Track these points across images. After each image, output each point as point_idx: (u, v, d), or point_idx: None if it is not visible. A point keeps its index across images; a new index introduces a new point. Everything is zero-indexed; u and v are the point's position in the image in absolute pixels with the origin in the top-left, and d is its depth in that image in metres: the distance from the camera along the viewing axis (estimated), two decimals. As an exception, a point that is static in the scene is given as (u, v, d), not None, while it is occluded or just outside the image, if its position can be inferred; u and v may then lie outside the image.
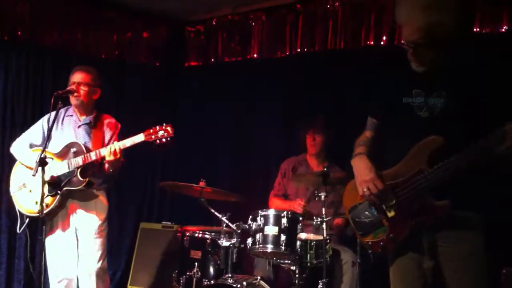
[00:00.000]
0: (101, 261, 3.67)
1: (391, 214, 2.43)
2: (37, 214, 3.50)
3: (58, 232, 3.65)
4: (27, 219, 3.57)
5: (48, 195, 3.51)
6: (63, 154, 3.59)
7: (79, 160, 3.50)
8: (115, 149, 3.39)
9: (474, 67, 2.34)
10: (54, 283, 3.67)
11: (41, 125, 3.82)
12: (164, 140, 3.27)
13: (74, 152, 3.54)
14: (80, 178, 3.50)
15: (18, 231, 3.60)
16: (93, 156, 3.47)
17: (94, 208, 3.68)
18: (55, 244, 3.64)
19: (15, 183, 3.72)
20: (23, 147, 3.78)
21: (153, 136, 3.27)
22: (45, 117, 3.80)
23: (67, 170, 3.53)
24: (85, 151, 3.51)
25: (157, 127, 3.30)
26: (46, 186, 3.49)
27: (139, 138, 3.36)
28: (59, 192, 3.53)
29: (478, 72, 2.32)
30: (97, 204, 3.70)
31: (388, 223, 2.44)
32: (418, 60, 2.33)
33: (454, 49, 2.31)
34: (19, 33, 4.79)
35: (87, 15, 5.21)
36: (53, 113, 3.39)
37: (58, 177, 3.54)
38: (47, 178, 3.43)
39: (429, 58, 2.32)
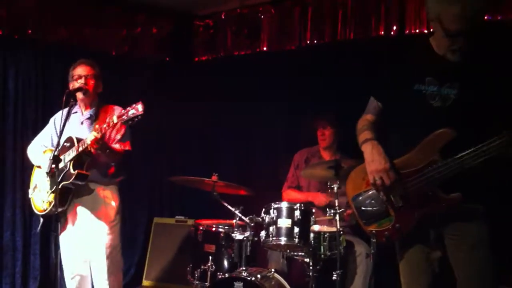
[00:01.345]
0: (111, 257, 3.66)
1: (398, 204, 2.40)
2: (44, 213, 3.58)
3: (70, 229, 3.66)
4: (42, 219, 3.61)
5: (50, 193, 3.56)
6: (61, 150, 3.55)
7: (70, 154, 3.48)
8: (95, 137, 3.33)
9: (489, 58, 2.32)
10: (68, 279, 3.71)
11: (49, 126, 3.85)
12: (136, 119, 3.21)
13: (68, 147, 3.52)
14: (71, 171, 3.45)
15: (37, 231, 3.65)
16: (80, 147, 3.42)
17: (104, 208, 3.66)
18: (67, 241, 3.66)
19: (32, 185, 3.78)
20: (36, 149, 3.82)
21: (125, 117, 3.22)
22: (52, 118, 3.85)
23: (62, 165, 3.50)
24: (75, 144, 3.46)
25: (129, 107, 3.24)
26: (49, 183, 3.57)
27: (113, 121, 3.29)
28: (57, 188, 3.43)
29: (493, 63, 2.31)
30: (106, 205, 3.68)
31: (395, 213, 2.43)
32: (454, 49, 2.32)
33: (476, 38, 2.30)
34: (27, 31, 4.79)
35: (95, 11, 5.22)
36: (65, 110, 3.37)
37: (55, 172, 3.42)
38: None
39: (461, 46, 2.31)
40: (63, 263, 3.66)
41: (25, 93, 4.84)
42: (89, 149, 3.39)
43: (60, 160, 3.36)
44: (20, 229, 4.71)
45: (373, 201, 2.49)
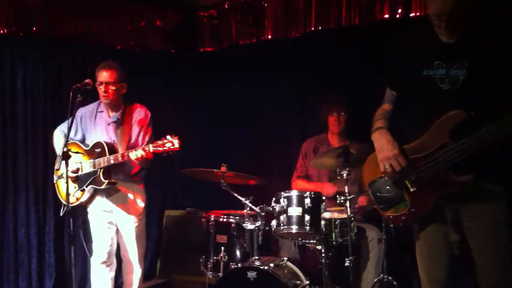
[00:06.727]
0: (141, 248, 3.90)
1: (413, 188, 2.41)
2: (71, 204, 3.68)
3: (99, 218, 3.86)
4: (65, 207, 3.71)
5: (77, 190, 3.75)
6: (90, 153, 3.74)
7: (101, 161, 3.65)
8: (141, 155, 3.50)
9: (496, 36, 2.29)
10: (97, 264, 3.88)
11: (75, 119, 3.89)
12: (170, 153, 3.42)
13: (98, 153, 3.68)
14: (102, 179, 3.66)
15: (60, 214, 3.77)
16: (112, 160, 3.60)
17: (131, 204, 3.87)
18: (96, 228, 3.88)
19: (58, 172, 3.87)
20: (59, 138, 3.94)
21: (160, 149, 3.42)
22: (79, 113, 3.90)
23: (92, 169, 3.70)
24: (107, 153, 3.63)
25: (165, 139, 3.41)
26: (78, 182, 3.77)
27: (149, 149, 3.48)
28: (85, 188, 3.72)
29: (500, 41, 2.27)
30: (133, 202, 3.88)
31: (410, 197, 2.43)
32: (449, 32, 2.30)
33: (477, 18, 2.28)
34: (34, 27, 4.78)
35: (101, 5, 5.19)
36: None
37: (84, 174, 3.73)
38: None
39: (458, 29, 2.29)
40: (93, 249, 3.87)
41: (34, 90, 4.82)
42: (121, 160, 3.58)
43: (70, 156, 3.37)
44: (34, 227, 4.73)
45: (388, 187, 2.51)
